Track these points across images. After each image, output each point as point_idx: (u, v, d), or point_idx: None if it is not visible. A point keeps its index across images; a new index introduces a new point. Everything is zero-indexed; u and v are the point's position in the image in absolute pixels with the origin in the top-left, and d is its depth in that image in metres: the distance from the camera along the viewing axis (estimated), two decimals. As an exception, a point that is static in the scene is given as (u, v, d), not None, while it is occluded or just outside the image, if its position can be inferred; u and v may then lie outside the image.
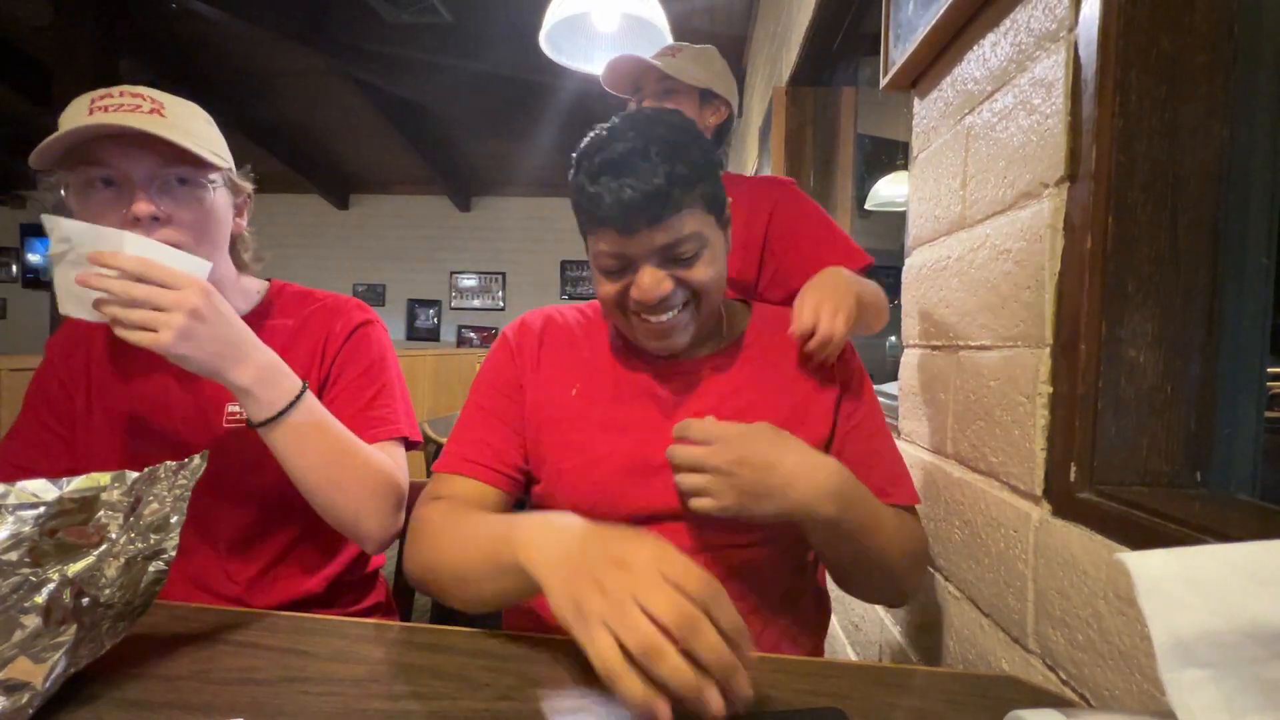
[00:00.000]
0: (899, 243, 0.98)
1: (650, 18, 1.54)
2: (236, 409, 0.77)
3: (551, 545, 0.48)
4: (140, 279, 0.59)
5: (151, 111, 0.69)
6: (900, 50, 0.90)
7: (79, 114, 0.66)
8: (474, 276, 7.18)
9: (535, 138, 4.94)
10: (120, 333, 0.60)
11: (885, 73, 0.95)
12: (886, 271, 0.96)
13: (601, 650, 0.39)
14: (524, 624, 0.70)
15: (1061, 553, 0.55)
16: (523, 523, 0.53)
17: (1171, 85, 0.52)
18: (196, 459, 0.48)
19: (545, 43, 1.60)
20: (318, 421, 0.70)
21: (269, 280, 0.89)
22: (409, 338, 7.21)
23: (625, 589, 0.40)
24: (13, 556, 0.38)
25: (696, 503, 0.57)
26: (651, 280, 0.62)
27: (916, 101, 0.93)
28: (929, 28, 0.79)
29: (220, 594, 0.78)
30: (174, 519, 0.47)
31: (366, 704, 0.45)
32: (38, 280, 7.04)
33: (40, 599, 0.39)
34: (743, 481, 0.56)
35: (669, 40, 1.59)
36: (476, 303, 7.18)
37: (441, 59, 4.02)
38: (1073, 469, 0.54)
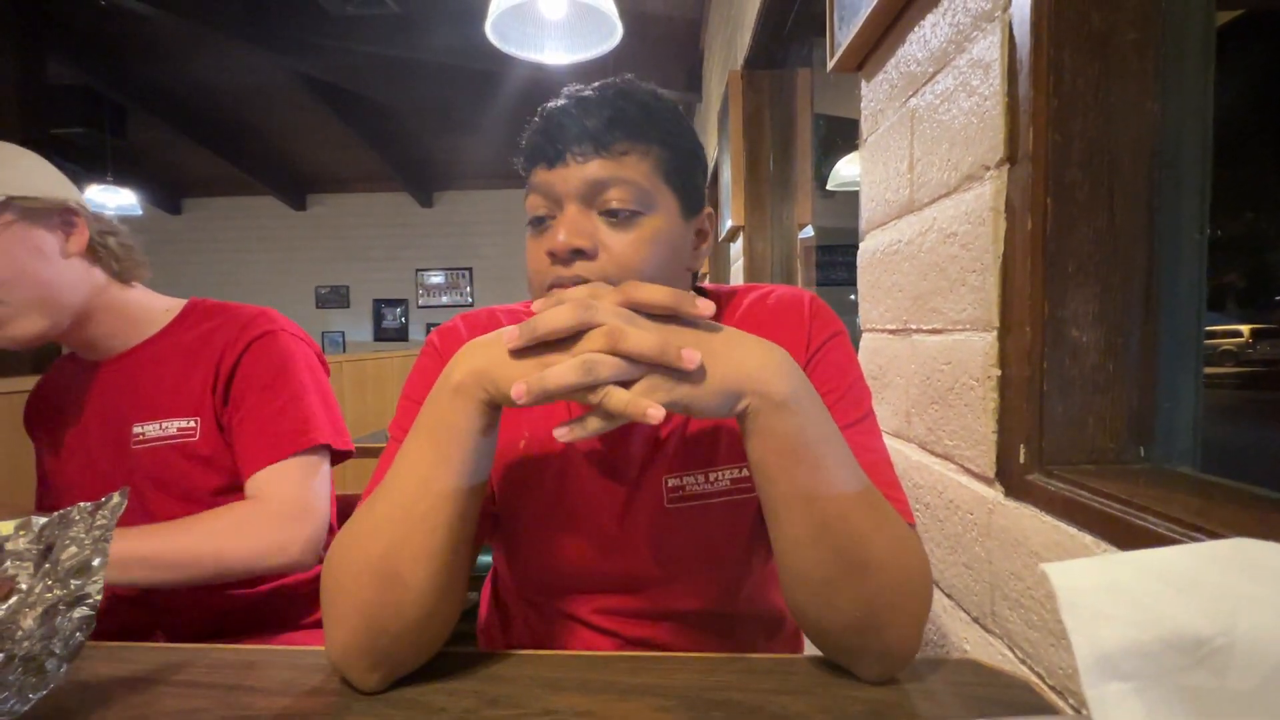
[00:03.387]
0: (857, 221, 0.98)
1: (597, 4, 1.50)
2: (140, 430, 0.79)
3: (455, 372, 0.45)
4: None
5: None
6: (845, 32, 0.89)
7: None
8: (440, 273, 7.07)
9: (492, 128, 4.86)
10: None
11: (832, 55, 0.94)
12: (847, 250, 0.96)
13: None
14: (497, 638, 0.69)
15: (1014, 534, 0.55)
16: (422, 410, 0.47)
17: (1104, 63, 0.52)
18: (116, 497, 0.45)
19: (491, 31, 1.56)
20: (135, 553, 0.68)
21: (191, 300, 0.87)
22: (376, 339, 7.08)
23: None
24: (-95, 620, 0.35)
25: (622, 395, 0.42)
26: (568, 224, 0.50)
27: (864, 84, 0.92)
28: (871, 8, 0.78)
29: (157, 611, 0.78)
30: (96, 561, 0.44)
31: (316, 739, 0.44)
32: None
33: (-57, 661, 0.37)
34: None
35: (618, 28, 1.55)
36: (444, 299, 7.07)
37: (390, 51, 3.91)
38: (1022, 451, 0.55)
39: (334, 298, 6.99)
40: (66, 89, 4.43)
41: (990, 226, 0.59)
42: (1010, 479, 0.57)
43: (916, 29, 0.74)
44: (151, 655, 0.55)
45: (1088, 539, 0.46)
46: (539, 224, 0.53)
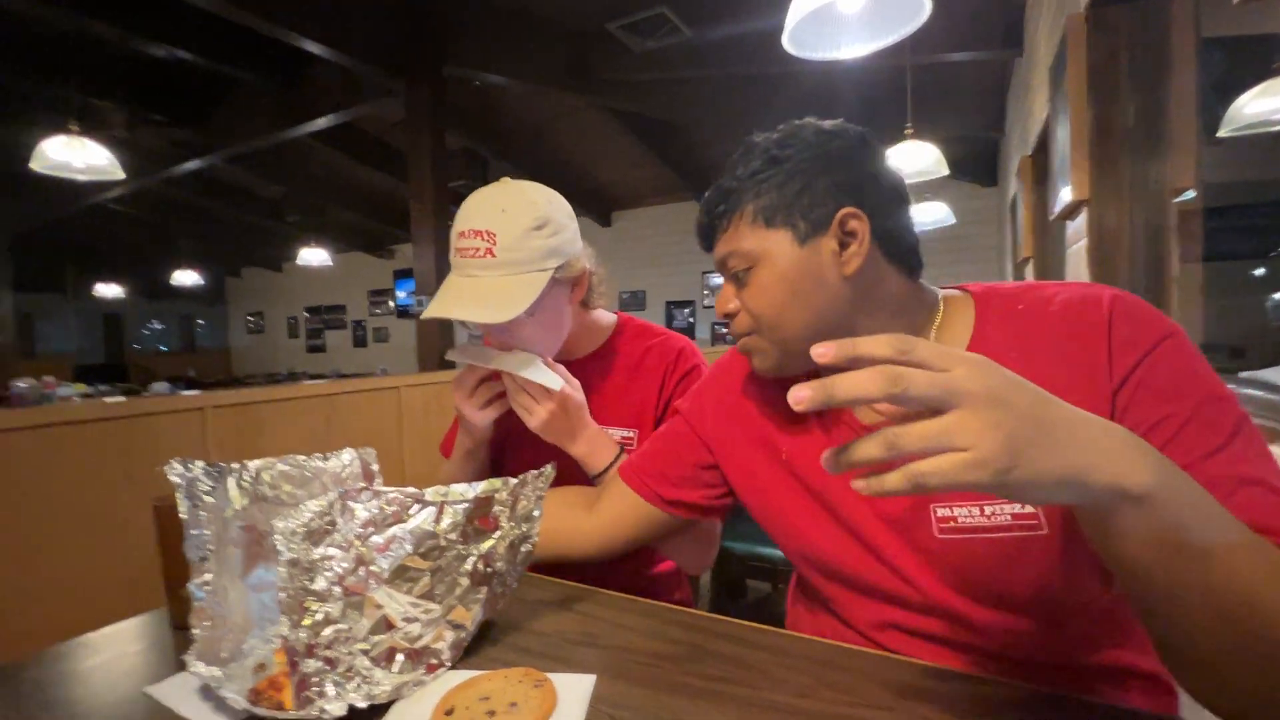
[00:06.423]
0: (1270, 171, 0.75)
1: (901, -17, 1.42)
2: None
3: None
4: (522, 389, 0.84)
5: (485, 254, 0.77)
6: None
7: (452, 252, 0.81)
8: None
9: (770, 127, 4.91)
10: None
11: (1244, -23, 0.74)
12: (1252, 211, 0.73)
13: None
14: (803, 627, 0.74)
15: None
16: None
17: None
18: (548, 468, 0.61)
19: (789, 41, 1.60)
20: None
21: (617, 314, 1.02)
22: (667, 337, 7.75)
23: None
24: (454, 536, 0.55)
25: (933, 465, 0.34)
26: (720, 294, 0.66)
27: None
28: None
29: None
30: (535, 513, 0.62)
31: (685, 680, 0.53)
32: (405, 312, 9.38)
33: (468, 566, 0.56)
34: (1008, 420, 0.33)
35: (927, 4, 1.44)
36: (726, 299, 7.40)
37: (684, 74, 4.26)
38: None
39: (634, 302, 7.90)
40: (455, 152, 5.91)
41: None
42: None
43: None
44: (558, 589, 0.73)
45: None
46: None
